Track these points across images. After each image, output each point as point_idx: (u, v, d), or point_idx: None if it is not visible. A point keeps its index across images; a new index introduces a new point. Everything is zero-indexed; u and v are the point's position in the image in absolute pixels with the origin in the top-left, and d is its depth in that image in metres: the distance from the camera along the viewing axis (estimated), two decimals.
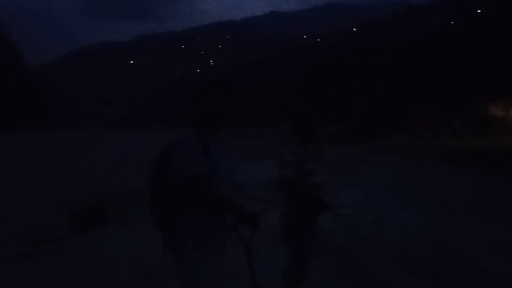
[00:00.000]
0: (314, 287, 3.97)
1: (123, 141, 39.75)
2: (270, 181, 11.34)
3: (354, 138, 19.20)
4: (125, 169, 18.22)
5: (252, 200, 8.47)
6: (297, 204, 3.32)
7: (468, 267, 4.83)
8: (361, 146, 15.33)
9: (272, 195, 9.67)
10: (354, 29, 61.02)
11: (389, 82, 32.10)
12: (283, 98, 49.61)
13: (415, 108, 21.03)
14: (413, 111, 20.40)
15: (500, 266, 4.86)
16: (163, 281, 4.61)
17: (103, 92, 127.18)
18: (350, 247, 5.72)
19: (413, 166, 12.48)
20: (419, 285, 4.40)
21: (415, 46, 36.77)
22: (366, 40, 48.55)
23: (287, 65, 62.13)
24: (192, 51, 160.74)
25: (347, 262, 5.13)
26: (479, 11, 35.86)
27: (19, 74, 68.55)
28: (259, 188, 10.36)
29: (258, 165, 16.19)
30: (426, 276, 4.61)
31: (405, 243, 5.81)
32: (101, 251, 6.23)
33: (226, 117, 2.46)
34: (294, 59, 61.98)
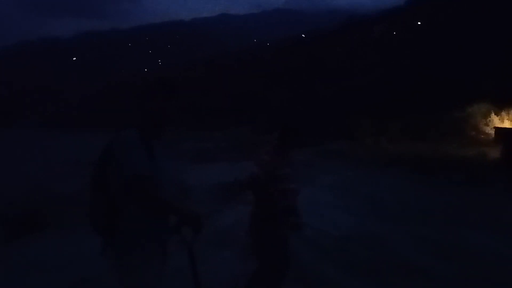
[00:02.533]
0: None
1: (61, 143, 37.92)
2: (218, 183, 11.36)
3: (299, 142, 19.64)
4: (63, 172, 17.43)
5: (199, 203, 8.44)
6: (262, 208, 3.32)
7: (402, 266, 5.14)
8: (306, 150, 15.69)
9: (218, 198, 9.71)
10: (303, 35, 62.46)
11: (333, 89, 33.16)
12: (231, 101, 49.57)
13: (358, 115, 21.86)
14: (355, 118, 21.20)
15: (431, 263, 5.21)
16: (102, 285, 4.50)
17: (41, 90, 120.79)
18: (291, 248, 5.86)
19: (354, 170, 12.96)
20: (357, 284, 4.61)
21: (357, 54, 38.31)
22: (314, 45, 49.85)
23: (236, 67, 62.27)
24: (139, 50, 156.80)
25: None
26: (419, 23, 38.04)
27: None
28: (207, 190, 10.33)
29: (206, 167, 16.11)
30: (363, 275, 4.84)
31: (345, 244, 6.06)
32: (37, 256, 5.95)
33: (171, 120, 2.47)
34: (243, 61, 62.27)
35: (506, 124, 15.88)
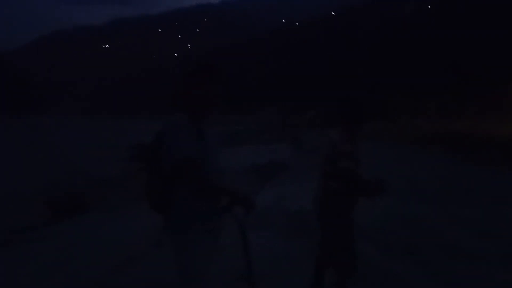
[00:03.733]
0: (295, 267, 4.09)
1: (99, 128, 39.10)
2: (252, 165, 11.45)
3: (333, 122, 19.39)
4: (103, 156, 18.00)
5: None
6: (352, 189, 3.27)
7: (444, 247, 5.04)
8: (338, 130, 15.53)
9: (253, 180, 9.81)
10: (332, 13, 61.19)
11: (365, 68, 32.44)
12: (262, 84, 49.53)
13: (392, 94, 21.38)
14: (390, 97, 20.75)
15: (474, 244, 5.09)
16: (146, 265, 4.68)
17: (77, 77, 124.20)
18: None
19: (391, 150, 12.75)
20: (399, 265, 4.58)
21: (388, 31, 37.16)
22: (344, 23, 48.70)
23: (265, 50, 61.86)
24: (169, 35, 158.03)
25: None
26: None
27: None
28: (241, 173, 10.45)
29: (239, 150, 16.24)
30: (404, 256, 4.79)
31: (384, 225, 6.00)
32: (82, 238, 6.22)
33: (218, 103, 2.52)
34: (273, 43, 61.73)
35: None
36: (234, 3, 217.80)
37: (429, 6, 37.86)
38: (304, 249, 4.86)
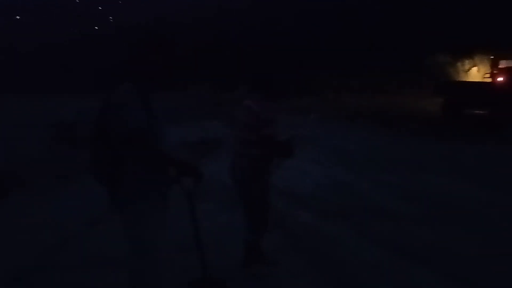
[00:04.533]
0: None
1: (20, 106, 36.14)
2: (188, 142, 11.38)
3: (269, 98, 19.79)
4: (25, 136, 16.81)
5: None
6: (266, 154, 3.50)
7: (371, 209, 5.53)
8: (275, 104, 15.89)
9: (189, 156, 9.80)
10: None
11: (292, 46, 33.00)
12: (193, 61, 48.33)
13: (320, 72, 22.08)
14: (318, 75, 21.44)
15: (398, 206, 5.63)
16: (88, 240, 4.61)
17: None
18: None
19: (321, 124, 13.31)
20: (333, 227, 4.94)
21: (317, 14, 37.97)
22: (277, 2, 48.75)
23: (192, 23, 60.04)
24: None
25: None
26: None
27: None
28: (177, 149, 10.35)
29: (173, 127, 15.98)
30: (337, 219, 5.18)
31: (317, 192, 6.38)
32: (13, 218, 5.89)
33: (166, 73, 2.52)
34: (200, 17, 60.21)
35: (461, 76, 16.58)
36: None
37: None
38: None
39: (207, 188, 6.68)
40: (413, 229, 4.82)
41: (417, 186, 6.54)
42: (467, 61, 16.63)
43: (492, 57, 14.17)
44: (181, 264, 3.34)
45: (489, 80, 13.70)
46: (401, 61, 19.00)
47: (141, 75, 2.47)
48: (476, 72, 16.01)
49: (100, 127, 2.42)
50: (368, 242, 4.46)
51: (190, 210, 2.66)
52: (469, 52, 16.59)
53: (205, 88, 37.35)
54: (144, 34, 2.46)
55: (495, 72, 13.53)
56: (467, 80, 15.52)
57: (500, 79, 13.15)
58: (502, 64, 13.57)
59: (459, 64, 16.87)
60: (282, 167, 7.37)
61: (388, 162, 8.18)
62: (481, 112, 12.13)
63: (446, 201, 5.82)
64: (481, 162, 8.03)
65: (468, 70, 16.46)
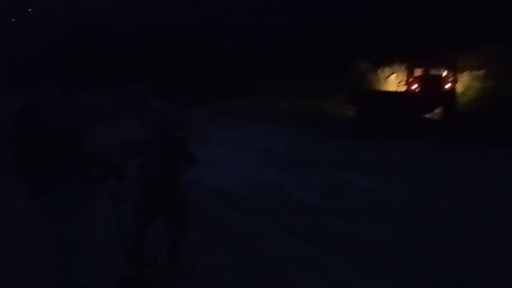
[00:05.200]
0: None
1: None
2: (118, 141, 11.03)
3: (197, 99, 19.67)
4: None
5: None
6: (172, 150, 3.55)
7: (296, 206, 5.86)
8: (204, 107, 15.89)
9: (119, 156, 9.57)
10: None
11: (222, 47, 33.05)
12: (124, 60, 46.39)
13: (249, 73, 22.35)
14: (248, 76, 21.70)
15: (320, 203, 6.01)
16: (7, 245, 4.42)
17: None
18: (197, 198, 6.22)
19: (250, 125, 13.58)
20: (259, 225, 5.15)
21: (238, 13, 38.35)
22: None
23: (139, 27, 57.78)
24: None
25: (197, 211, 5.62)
26: None
27: None
28: (107, 149, 10.05)
29: (103, 126, 15.38)
30: (264, 217, 5.41)
31: (245, 192, 6.60)
32: None
33: (94, 73, 2.52)
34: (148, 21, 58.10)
35: (380, 83, 17.59)
36: None
37: None
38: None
39: (133, 188, 6.65)
40: (333, 223, 5.18)
41: (339, 184, 6.99)
42: (386, 69, 17.74)
43: (407, 65, 15.28)
44: (110, 262, 3.34)
45: (404, 88, 14.80)
46: (333, 64, 19.58)
47: (65, 71, 2.45)
48: (394, 80, 17.07)
49: (23, 125, 2.38)
50: (291, 237, 4.73)
51: (115, 208, 2.70)
52: (388, 60, 17.72)
53: (137, 87, 35.88)
54: (68, 30, 2.45)
55: (410, 80, 14.64)
56: (380, 89, 16.51)
57: (414, 87, 14.30)
58: (417, 72, 14.74)
59: (379, 71, 17.95)
60: (212, 167, 7.53)
61: (313, 162, 8.63)
62: (395, 118, 12.95)
63: (364, 197, 6.29)
64: (398, 162, 8.63)
65: (388, 77, 17.57)
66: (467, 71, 16.04)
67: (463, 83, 15.61)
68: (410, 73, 14.91)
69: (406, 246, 4.47)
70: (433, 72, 14.81)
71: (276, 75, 21.16)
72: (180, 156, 3.62)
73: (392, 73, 17.20)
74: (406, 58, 15.90)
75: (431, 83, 14.28)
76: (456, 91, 14.67)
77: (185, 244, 3.86)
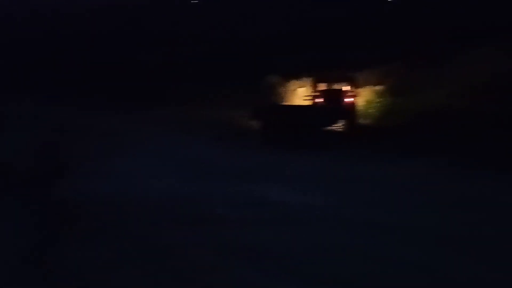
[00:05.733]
0: None
1: None
2: None
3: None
4: None
5: None
6: None
7: (203, 215, 5.81)
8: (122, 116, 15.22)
9: None
10: None
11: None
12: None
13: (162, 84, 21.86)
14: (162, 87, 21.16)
15: (227, 212, 6.03)
16: None
17: None
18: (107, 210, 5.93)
19: (166, 136, 13.27)
20: (163, 234, 5.00)
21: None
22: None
23: None
24: None
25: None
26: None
27: None
28: None
29: None
30: (169, 226, 5.28)
31: (149, 201, 6.39)
32: None
33: None
34: None
35: (290, 97, 18.23)
36: None
37: None
38: None
39: None
40: (244, 232, 5.23)
41: (249, 194, 7.10)
42: (295, 83, 18.45)
43: (312, 80, 16.03)
44: None
45: (309, 102, 15.46)
46: (250, 77, 19.81)
47: None
48: (302, 94, 17.80)
49: None
50: (202, 247, 4.67)
51: None
52: (296, 74, 18.48)
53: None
54: None
55: (314, 94, 15.36)
56: (283, 103, 17.12)
57: (319, 100, 15.02)
58: (321, 86, 15.53)
59: (288, 85, 18.62)
60: (124, 178, 7.27)
61: (225, 173, 8.67)
62: (298, 132, 12.92)
63: (274, 206, 6.46)
64: (305, 172, 9.01)
65: (296, 91, 18.28)
66: (368, 87, 17.23)
67: (364, 98, 16.74)
68: (314, 87, 15.63)
69: (314, 252, 4.64)
70: (336, 86, 15.69)
71: (195, 86, 21.01)
72: None
73: (300, 87, 17.94)
74: (312, 73, 16.64)
75: (334, 97, 15.08)
76: (357, 105, 15.65)
77: (91, 258, 3.61)
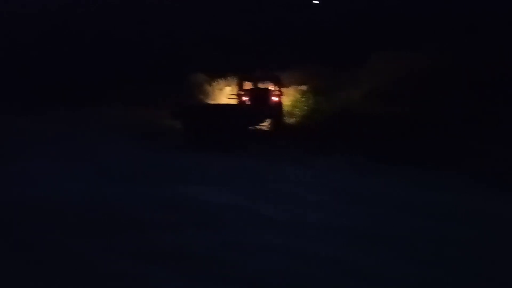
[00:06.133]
0: None
1: None
2: None
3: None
4: None
5: None
6: None
7: (123, 220, 5.68)
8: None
9: None
10: None
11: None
12: None
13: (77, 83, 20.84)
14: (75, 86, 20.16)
15: (149, 216, 5.98)
16: None
17: None
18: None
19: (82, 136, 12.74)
20: (78, 241, 4.84)
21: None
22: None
23: None
24: None
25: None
26: None
27: None
28: None
29: None
30: (85, 232, 5.11)
31: (69, 208, 6.14)
32: None
33: None
34: None
35: (215, 96, 18.19)
36: None
37: None
38: None
39: None
40: (163, 236, 5.18)
41: (169, 195, 7.04)
42: (221, 81, 18.47)
43: (237, 79, 16.12)
44: None
45: (235, 101, 15.44)
46: (173, 75, 19.38)
47: None
48: (229, 92, 17.81)
49: None
50: (119, 253, 4.57)
51: None
52: (223, 73, 18.49)
53: None
54: None
55: (240, 93, 15.46)
56: (206, 103, 17.06)
57: (244, 99, 15.12)
58: (246, 85, 15.67)
59: (214, 84, 18.58)
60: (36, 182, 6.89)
61: (145, 175, 8.50)
62: (222, 132, 12.52)
63: (196, 208, 6.47)
64: (229, 173, 9.07)
65: (222, 89, 18.30)
66: (293, 86, 17.66)
67: (289, 97, 17.15)
68: (240, 86, 15.68)
69: (235, 252, 4.73)
70: (262, 85, 15.88)
71: (121, 84, 20.26)
72: None
73: (226, 86, 18.01)
74: (237, 72, 16.70)
75: (260, 96, 15.17)
76: (282, 104, 15.93)
77: None
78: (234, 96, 15.78)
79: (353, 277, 4.18)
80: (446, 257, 4.77)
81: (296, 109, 16.88)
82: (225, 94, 17.18)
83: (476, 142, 10.49)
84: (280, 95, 15.70)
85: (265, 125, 15.29)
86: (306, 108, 16.67)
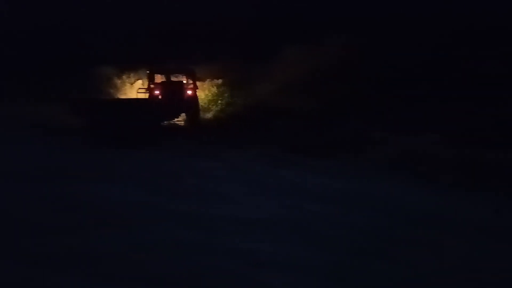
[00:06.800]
0: None
1: None
2: None
3: None
4: None
5: None
6: None
7: (19, 224, 5.17)
8: None
9: None
10: None
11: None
12: None
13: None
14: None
15: (50, 218, 5.48)
16: None
17: None
18: None
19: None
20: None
21: None
22: None
23: None
24: None
25: None
26: None
27: None
28: None
29: None
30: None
31: None
32: None
33: None
34: None
35: (126, 89, 17.39)
36: None
37: None
38: None
39: None
40: (62, 239, 4.79)
41: (72, 195, 6.57)
42: (132, 75, 17.68)
43: (148, 71, 15.43)
44: None
45: (145, 95, 14.56)
46: (76, 69, 18.18)
47: None
48: (140, 86, 17.03)
49: None
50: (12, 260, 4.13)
51: None
52: (133, 66, 17.67)
53: None
54: None
55: (151, 87, 14.76)
56: (109, 98, 16.28)
57: (156, 93, 14.50)
58: (158, 79, 15.07)
59: (124, 77, 17.75)
60: None
61: (42, 172, 7.85)
62: (129, 128, 11.95)
63: (99, 207, 6.07)
64: (134, 169, 8.72)
65: (133, 83, 17.52)
66: (208, 80, 17.43)
67: (204, 91, 16.90)
68: (151, 79, 15.02)
69: (138, 251, 4.54)
70: (175, 79, 15.41)
71: (22, 79, 18.60)
72: None
73: (138, 79, 17.30)
74: (148, 65, 16.04)
75: (173, 90, 14.58)
76: (197, 98, 15.58)
77: None
78: (144, 90, 15.01)
79: (267, 268, 4.24)
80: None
81: (212, 103, 16.74)
82: (136, 88, 16.41)
83: (378, 131, 11.36)
84: (194, 88, 15.35)
85: (180, 120, 14.95)
86: (221, 102, 16.62)
